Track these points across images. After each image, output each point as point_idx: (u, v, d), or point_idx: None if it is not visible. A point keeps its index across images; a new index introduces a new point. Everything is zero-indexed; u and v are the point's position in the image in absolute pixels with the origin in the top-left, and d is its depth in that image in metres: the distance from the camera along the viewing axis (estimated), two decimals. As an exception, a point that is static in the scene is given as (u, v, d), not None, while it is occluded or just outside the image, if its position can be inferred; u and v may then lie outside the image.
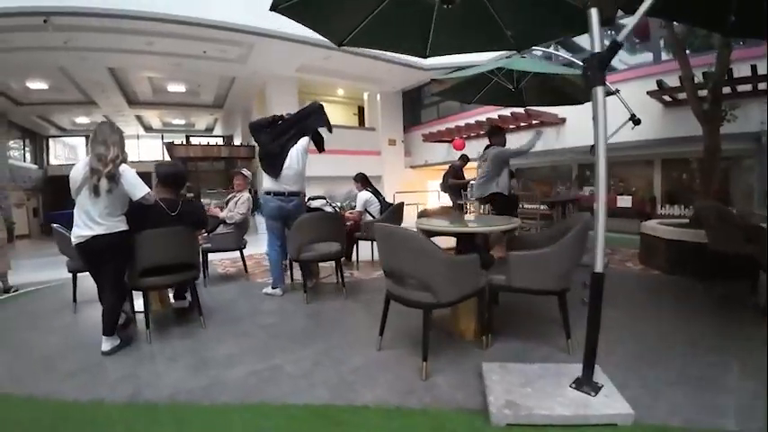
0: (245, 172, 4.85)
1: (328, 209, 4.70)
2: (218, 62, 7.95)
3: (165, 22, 6.33)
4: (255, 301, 3.74)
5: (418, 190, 10.45)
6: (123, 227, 2.61)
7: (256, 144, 3.86)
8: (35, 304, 3.96)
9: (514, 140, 8.01)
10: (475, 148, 8.97)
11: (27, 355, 2.67)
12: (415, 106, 11.09)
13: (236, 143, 12.31)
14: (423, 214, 4.05)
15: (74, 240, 2.56)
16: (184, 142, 12.45)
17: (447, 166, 10.77)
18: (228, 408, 1.95)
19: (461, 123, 9.07)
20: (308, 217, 3.65)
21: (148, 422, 1.87)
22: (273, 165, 3.69)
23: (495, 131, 4.62)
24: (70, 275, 3.63)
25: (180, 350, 2.67)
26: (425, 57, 3.33)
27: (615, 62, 6.86)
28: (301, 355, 2.53)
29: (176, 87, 10.09)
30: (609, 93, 4.49)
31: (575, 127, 7.36)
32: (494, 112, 8.33)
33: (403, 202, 5.14)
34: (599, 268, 1.73)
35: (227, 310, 3.44)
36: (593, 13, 1.69)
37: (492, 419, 1.67)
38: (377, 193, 5.04)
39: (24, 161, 12.36)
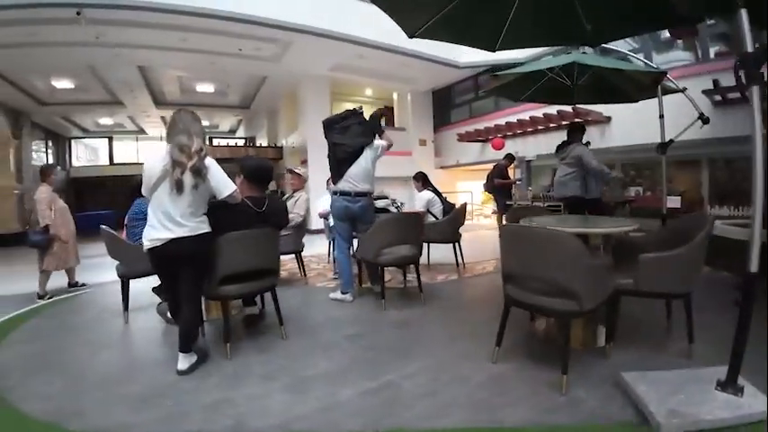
0: (300, 170, 4.56)
1: (392, 209, 4.40)
2: (251, 61, 7.70)
3: (203, 17, 6.08)
4: (325, 307, 3.44)
5: (450, 191, 10.10)
6: (206, 228, 2.28)
7: (327, 142, 3.58)
8: (76, 314, 3.62)
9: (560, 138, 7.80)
10: (513, 147, 8.67)
11: (83, 377, 2.29)
12: (444, 106, 10.78)
13: (258, 144, 12.01)
14: (514, 216, 3.66)
15: (147, 244, 2.19)
16: (208, 144, 12.24)
17: (478, 167, 10.55)
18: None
19: (500, 122, 8.73)
20: (390, 218, 3.38)
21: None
22: (340, 163, 3.46)
23: (576, 128, 4.26)
24: (107, 280, 3.42)
25: (269, 367, 2.33)
26: (494, 50, 3.13)
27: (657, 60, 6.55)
28: (412, 370, 2.23)
29: (205, 87, 9.87)
30: (675, 90, 4.30)
31: (620, 126, 7.00)
32: (532, 111, 7.97)
33: (466, 203, 4.82)
34: (754, 268, 1.65)
35: (299, 318, 3.11)
36: (743, 13, 1.67)
37: (660, 430, 1.55)
38: (438, 194, 4.71)
39: (46, 162, 12.20)
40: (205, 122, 13.76)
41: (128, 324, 3.21)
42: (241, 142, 13.91)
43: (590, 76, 4.20)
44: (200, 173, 2.15)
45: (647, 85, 4.20)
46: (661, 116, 4.63)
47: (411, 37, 2.91)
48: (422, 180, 4.71)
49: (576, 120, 4.45)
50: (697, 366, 1.98)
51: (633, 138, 6.55)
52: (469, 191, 10.72)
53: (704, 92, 5.61)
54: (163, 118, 12.44)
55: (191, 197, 2.17)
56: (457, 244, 4.57)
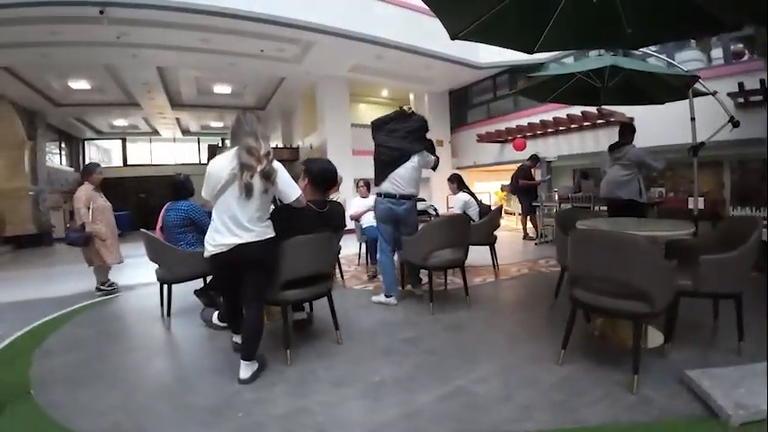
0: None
1: (431, 212, 4.33)
2: (272, 62, 7.64)
3: (227, 17, 6.01)
4: (370, 311, 3.37)
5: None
6: (272, 233, 2.21)
7: (374, 143, 3.51)
8: (114, 319, 3.56)
9: (588, 138, 7.72)
10: (533, 147, 8.58)
11: (137, 388, 2.17)
12: (461, 106, 10.70)
13: (273, 146, 11.95)
14: (565, 218, 3.54)
15: (212, 250, 2.12)
16: (220, 144, 12.21)
17: (495, 168, 10.47)
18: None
19: (521, 122, 8.63)
20: (442, 221, 3.34)
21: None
22: (386, 165, 3.38)
23: (629, 128, 4.19)
24: (133, 282, 3.38)
25: (334, 372, 2.27)
26: (532, 52, 3.13)
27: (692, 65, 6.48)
28: (480, 374, 2.21)
29: (222, 89, 9.82)
30: (704, 93, 4.26)
31: (642, 127, 6.83)
32: (554, 112, 7.88)
33: (502, 206, 4.75)
34: None
35: (348, 323, 2.97)
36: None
37: (730, 421, 1.65)
38: (472, 195, 4.64)
39: (60, 164, 12.16)
40: (218, 124, 13.90)
41: (170, 330, 3.12)
42: None
43: (621, 78, 4.19)
44: (269, 177, 2.08)
45: (678, 89, 4.22)
46: (692, 119, 4.61)
47: (453, 38, 2.93)
48: (457, 182, 4.63)
49: (628, 122, 4.35)
50: (750, 362, 2.09)
51: (655, 139, 6.43)
52: (487, 192, 10.62)
53: (729, 94, 5.54)
54: (178, 119, 12.42)
55: (259, 201, 2.10)
56: (492, 246, 4.50)
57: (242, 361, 2.19)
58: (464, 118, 10.68)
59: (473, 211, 4.43)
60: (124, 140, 14.41)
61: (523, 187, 6.91)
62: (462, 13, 2.68)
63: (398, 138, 3.36)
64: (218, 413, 1.88)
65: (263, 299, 2.29)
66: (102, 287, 4.24)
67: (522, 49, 3.22)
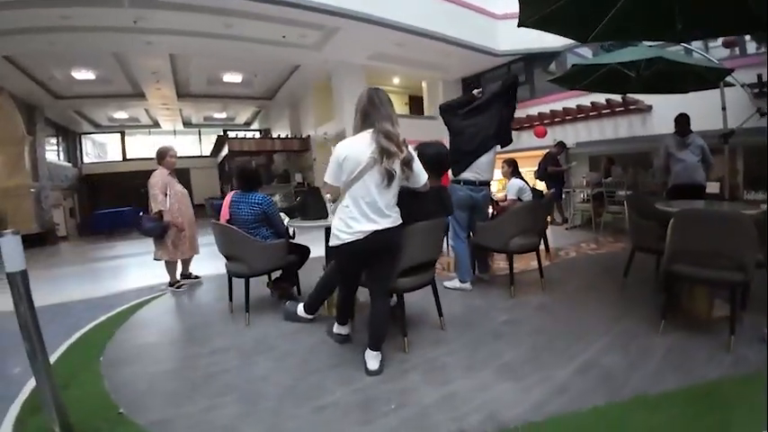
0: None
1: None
2: (291, 48, 7.42)
3: (253, 0, 5.78)
4: (449, 297, 3.29)
5: None
6: (400, 219, 2.15)
7: (447, 128, 3.46)
8: (173, 320, 3.38)
9: (607, 126, 7.81)
10: (551, 134, 8.64)
11: (257, 393, 2.00)
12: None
13: (276, 135, 11.65)
14: (639, 203, 3.61)
15: (347, 238, 2.03)
16: (229, 135, 11.86)
17: (510, 154, 10.51)
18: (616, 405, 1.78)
19: (541, 110, 8.66)
20: (525, 206, 3.35)
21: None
22: (466, 153, 3.35)
23: (686, 119, 4.29)
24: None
25: (459, 357, 2.30)
26: (586, 41, 3.28)
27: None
28: (597, 348, 2.33)
29: (232, 77, 9.52)
30: (732, 84, 4.42)
31: (660, 115, 6.96)
32: (577, 99, 7.93)
33: (552, 192, 4.79)
34: None
35: (433, 309, 2.84)
36: None
37: None
38: (525, 181, 4.66)
39: (59, 159, 11.64)
40: (221, 115, 13.52)
41: (251, 326, 2.91)
42: (260, 134, 13.57)
43: (655, 68, 4.32)
44: (409, 164, 2.03)
45: (710, 80, 4.39)
46: (723, 108, 4.77)
47: (520, 26, 3.07)
48: (512, 167, 4.63)
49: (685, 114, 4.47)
50: None
51: (672, 126, 6.57)
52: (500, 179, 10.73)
53: (748, 85, 5.68)
54: (180, 110, 12.01)
55: (396, 187, 2.06)
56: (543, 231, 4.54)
57: (371, 351, 2.17)
58: (476, 106, 10.66)
59: (527, 197, 4.45)
60: (123, 134, 13.87)
61: (552, 174, 6.98)
62: (540, 2, 2.80)
63: (478, 126, 3.32)
64: (368, 408, 1.84)
65: (389, 287, 2.25)
66: (178, 285, 3.99)
67: (577, 38, 3.39)
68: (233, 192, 3.41)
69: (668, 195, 4.27)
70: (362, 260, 2.16)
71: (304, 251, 3.41)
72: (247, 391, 2.04)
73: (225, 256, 3.25)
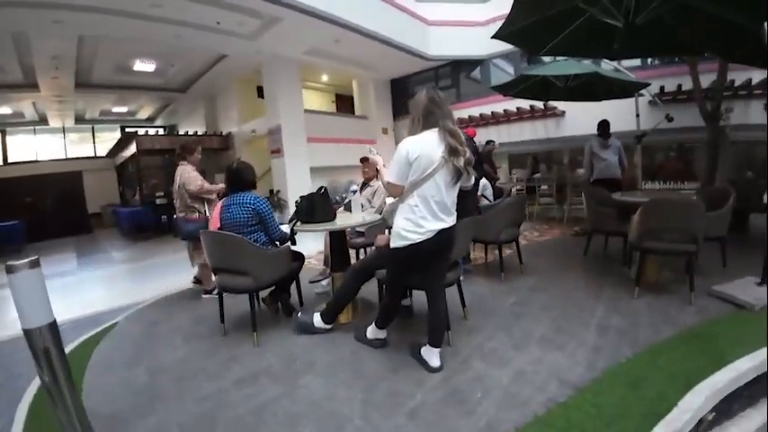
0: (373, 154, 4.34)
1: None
2: (221, 36, 6.66)
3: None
4: (450, 290, 3.42)
5: None
6: None
7: None
8: (155, 347, 2.82)
9: (526, 128, 8.85)
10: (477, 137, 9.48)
11: (334, 415, 1.84)
12: (402, 95, 11.06)
13: (186, 132, 10.36)
14: (594, 194, 4.24)
15: (417, 238, 2.01)
16: (131, 132, 10.02)
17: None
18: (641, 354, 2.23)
19: (469, 113, 9.41)
20: (511, 202, 3.71)
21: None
22: None
23: (607, 124, 5.13)
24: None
25: (501, 341, 2.50)
26: (537, 55, 4.57)
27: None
28: (600, 314, 2.81)
29: (145, 66, 8.11)
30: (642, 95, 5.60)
31: (571, 119, 8.25)
32: (502, 104, 8.86)
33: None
34: None
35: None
36: None
37: (755, 309, 2.62)
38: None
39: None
40: (121, 109, 11.43)
41: (262, 347, 2.61)
42: (164, 131, 11.79)
43: (581, 80, 5.26)
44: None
45: (629, 91, 5.49)
46: (637, 115, 5.92)
47: (494, 38, 3.80)
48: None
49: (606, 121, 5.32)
50: (737, 277, 3.11)
51: (581, 129, 7.82)
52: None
53: (655, 95, 7.06)
54: (75, 103, 9.75)
55: (457, 187, 2.09)
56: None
57: (433, 348, 2.21)
58: (406, 107, 11.04)
59: (489, 193, 4.84)
60: (3, 132, 10.68)
61: (487, 172, 7.67)
62: (514, 21, 3.49)
63: None
64: (457, 402, 1.89)
65: (444, 284, 2.27)
66: (210, 292, 3.69)
67: (532, 52, 4.16)
68: (222, 198, 3.02)
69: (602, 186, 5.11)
70: (426, 260, 2.15)
71: (301, 258, 3.19)
72: (320, 415, 1.86)
73: (216, 270, 2.86)
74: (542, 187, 7.42)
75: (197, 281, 4.01)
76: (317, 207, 2.95)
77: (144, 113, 12.20)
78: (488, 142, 8.18)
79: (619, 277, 3.51)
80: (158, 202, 8.55)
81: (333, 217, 3.03)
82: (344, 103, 11.85)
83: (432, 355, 2.19)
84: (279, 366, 2.35)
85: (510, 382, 2.02)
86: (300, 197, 3.09)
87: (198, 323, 3.17)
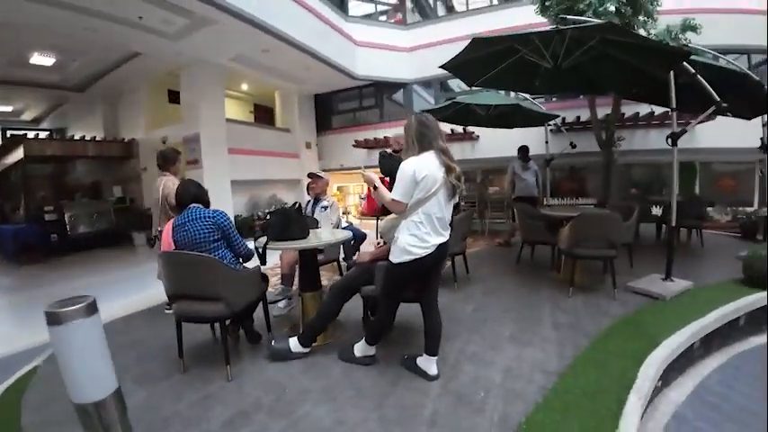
0: (324, 174, 4.29)
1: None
2: (140, 32, 5.76)
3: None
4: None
5: (332, 193, 10.64)
6: None
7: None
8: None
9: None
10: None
11: None
12: (326, 111, 11.03)
13: (81, 137, 8.70)
14: (525, 210, 4.82)
15: (421, 252, 2.11)
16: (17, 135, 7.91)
17: (358, 171, 11.40)
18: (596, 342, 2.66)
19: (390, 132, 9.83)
20: (465, 215, 4.09)
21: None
22: None
23: (527, 149, 5.93)
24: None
25: (481, 345, 2.71)
26: (471, 86, 4.89)
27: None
28: (548, 309, 3.34)
29: (44, 59, 6.62)
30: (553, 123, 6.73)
31: (484, 143, 9.23)
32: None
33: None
34: (674, 223, 4.03)
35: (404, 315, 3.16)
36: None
37: (667, 299, 3.34)
38: None
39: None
40: (5, 108, 9.00)
41: (239, 379, 2.36)
42: (69, 136, 9.55)
43: (501, 110, 6.11)
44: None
45: (541, 121, 6.48)
46: (546, 141, 6.95)
47: (440, 67, 4.36)
48: None
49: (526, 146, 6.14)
50: (643, 275, 3.85)
51: (493, 152, 8.87)
52: (350, 193, 11.57)
53: (554, 124, 8.23)
54: None
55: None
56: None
57: (430, 357, 2.32)
58: (329, 122, 11.09)
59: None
60: None
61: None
62: (460, 56, 4.02)
63: None
64: (465, 404, 2.03)
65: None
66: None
67: (467, 82, 4.85)
68: (170, 220, 2.67)
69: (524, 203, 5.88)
70: (426, 273, 2.24)
71: (266, 279, 2.99)
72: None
73: (173, 297, 2.50)
74: (462, 204, 8.14)
75: None
76: (292, 223, 2.82)
77: (30, 114, 9.84)
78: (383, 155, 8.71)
79: (550, 280, 4.09)
80: (47, 218, 7.12)
81: (308, 234, 2.92)
82: (263, 114, 11.31)
83: (430, 364, 2.29)
84: (268, 399, 2.17)
85: (503, 378, 2.24)
86: (269, 212, 2.91)
87: (144, 360, 2.71)
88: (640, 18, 5.19)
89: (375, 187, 2.31)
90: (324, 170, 11.20)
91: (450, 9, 11.18)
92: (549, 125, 7.09)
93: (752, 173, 7.93)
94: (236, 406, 2.11)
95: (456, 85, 9.63)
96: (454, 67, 4.33)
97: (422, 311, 2.39)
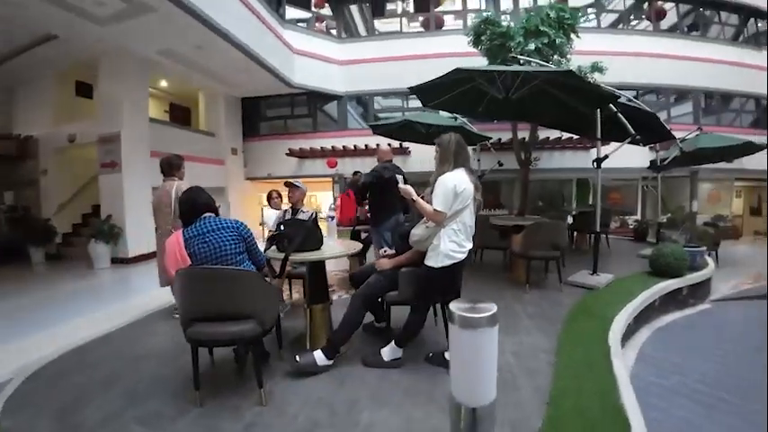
0: (301, 184, 4.19)
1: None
2: (63, 12, 4.76)
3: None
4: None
5: (258, 202, 10.22)
6: None
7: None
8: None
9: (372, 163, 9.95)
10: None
11: None
12: (253, 116, 10.44)
13: None
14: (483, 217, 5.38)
15: (460, 256, 2.41)
16: None
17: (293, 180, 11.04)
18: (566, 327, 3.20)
19: (325, 144, 9.90)
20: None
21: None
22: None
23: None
24: None
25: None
26: (426, 106, 5.45)
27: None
28: (520, 308, 3.78)
29: None
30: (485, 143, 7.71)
31: (415, 156, 9.96)
32: (353, 139, 9.83)
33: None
34: (597, 228, 5.01)
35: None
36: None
37: (600, 289, 4.20)
38: None
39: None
40: None
41: (275, 401, 2.23)
42: None
43: (440, 129, 6.77)
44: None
45: (478, 141, 7.31)
46: (478, 160, 7.84)
47: (409, 88, 4.85)
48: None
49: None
50: (574, 272, 4.70)
51: (421, 167, 9.62)
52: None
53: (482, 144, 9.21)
54: None
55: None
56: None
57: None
58: (257, 129, 10.55)
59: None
60: None
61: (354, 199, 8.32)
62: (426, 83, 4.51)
63: None
64: (500, 384, 2.31)
65: None
66: None
67: (423, 102, 5.40)
68: (179, 230, 2.40)
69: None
70: (460, 273, 2.54)
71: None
72: None
73: (192, 321, 2.24)
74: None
75: None
76: (309, 234, 2.80)
77: None
78: (355, 173, 8.91)
79: (506, 280, 4.74)
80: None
81: (321, 245, 2.92)
82: (179, 114, 10.20)
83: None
84: (322, 415, 2.10)
85: (516, 360, 2.66)
86: (282, 223, 2.84)
87: (140, 397, 2.33)
88: (556, 57, 6.38)
89: (414, 200, 2.50)
90: (248, 179, 10.69)
91: (368, 30, 11.02)
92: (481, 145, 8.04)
93: (634, 188, 10.24)
94: (291, 428, 2.01)
95: (376, 102, 10.30)
96: (419, 88, 4.75)
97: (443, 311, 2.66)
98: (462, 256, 2.42)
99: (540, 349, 2.80)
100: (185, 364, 2.58)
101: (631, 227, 9.06)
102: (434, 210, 2.37)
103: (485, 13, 7.20)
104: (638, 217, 9.89)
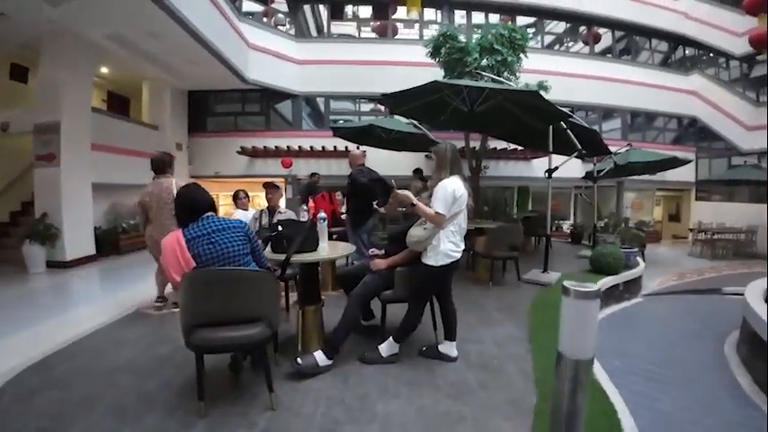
0: (280, 185, 4.14)
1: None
2: None
3: None
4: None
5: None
6: None
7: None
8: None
9: (333, 164, 9.95)
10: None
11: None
12: (200, 111, 9.79)
13: None
14: None
15: (456, 256, 2.65)
16: None
17: (238, 180, 10.52)
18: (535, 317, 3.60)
19: (277, 142, 9.70)
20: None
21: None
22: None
23: (421, 171, 6.96)
24: None
25: (463, 332, 3.41)
26: (393, 113, 6.07)
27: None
28: (484, 303, 4.14)
29: None
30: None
31: (371, 161, 10.05)
32: (310, 140, 9.77)
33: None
34: (548, 232, 5.48)
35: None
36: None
37: (552, 285, 4.71)
38: None
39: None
40: None
41: (280, 409, 2.20)
42: None
43: (399, 135, 7.13)
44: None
45: (427, 147, 7.72)
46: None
47: (382, 95, 5.12)
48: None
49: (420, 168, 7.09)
50: (530, 269, 5.22)
51: (385, 171, 9.85)
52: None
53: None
54: None
55: None
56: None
57: (451, 342, 2.89)
58: (203, 124, 9.95)
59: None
60: None
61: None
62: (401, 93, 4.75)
63: None
64: (492, 370, 2.67)
65: None
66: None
67: (390, 109, 5.84)
68: (176, 230, 2.28)
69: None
70: (450, 276, 2.79)
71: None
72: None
73: (197, 326, 2.17)
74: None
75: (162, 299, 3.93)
76: (309, 236, 2.84)
77: None
78: (312, 174, 8.85)
79: (468, 279, 5.10)
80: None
81: (317, 246, 2.98)
82: (117, 104, 9.23)
83: (451, 348, 2.84)
84: (338, 413, 2.17)
85: (499, 349, 2.98)
86: (279, 223, 2.85)
87: (140, 413, 2.17)
88: (506, 74, 7.01)
89: (413, 204, 2.68)
90: (193, 177, 10.01)
91: (319, 31, 10.97)
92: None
93: (568, 196, 11.43)
94: (313, 428, 2.05)
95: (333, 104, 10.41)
96: (393, 95, 4.94)
97: (439, 306, 2.91)
98: (458, 256, 2.67)
99: (515, 338, 3.18)
100: (170, 376, 2.55)
101: (567, 231, 10.15)
102: (435, 212, 2.58)
103: (444, 28, 7.65)
104: (572, 222, 11.12)
